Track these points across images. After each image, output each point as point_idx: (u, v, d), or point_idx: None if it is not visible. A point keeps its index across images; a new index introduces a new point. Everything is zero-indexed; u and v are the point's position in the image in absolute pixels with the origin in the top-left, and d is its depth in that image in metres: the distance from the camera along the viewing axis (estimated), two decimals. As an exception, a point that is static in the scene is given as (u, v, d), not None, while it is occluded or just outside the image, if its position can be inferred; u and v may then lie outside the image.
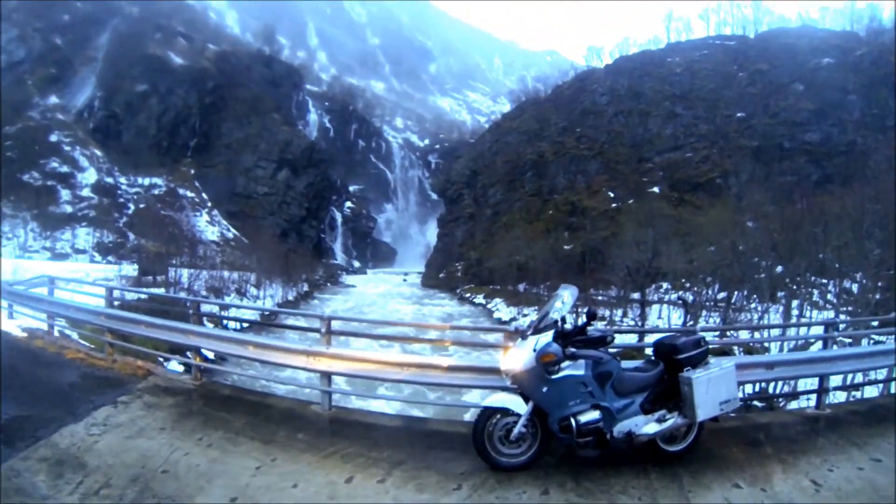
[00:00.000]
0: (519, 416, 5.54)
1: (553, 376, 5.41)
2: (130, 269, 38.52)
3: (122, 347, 10.17)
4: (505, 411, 5.64)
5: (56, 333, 11.85)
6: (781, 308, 26.93)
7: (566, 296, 5.73)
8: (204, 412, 7.21)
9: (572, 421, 5.37)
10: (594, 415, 5.43)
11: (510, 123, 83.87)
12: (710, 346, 6.11)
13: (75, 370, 8.90)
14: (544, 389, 5.42)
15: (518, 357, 5.51)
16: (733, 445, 6.31)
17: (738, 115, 62.27)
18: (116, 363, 9.37)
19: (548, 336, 5.46)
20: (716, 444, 6.25)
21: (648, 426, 5.63)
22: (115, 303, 12.07)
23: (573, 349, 5.49)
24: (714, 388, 5.63)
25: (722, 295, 31.62)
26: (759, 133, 59.31)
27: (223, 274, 44.22)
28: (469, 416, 11.67)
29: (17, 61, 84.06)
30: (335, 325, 7.82)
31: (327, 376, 7.46)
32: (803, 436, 6.80)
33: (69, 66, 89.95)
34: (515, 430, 5.56)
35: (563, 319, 5.69)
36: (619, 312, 35.24)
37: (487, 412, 5.69)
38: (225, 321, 23.57)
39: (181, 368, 13.11)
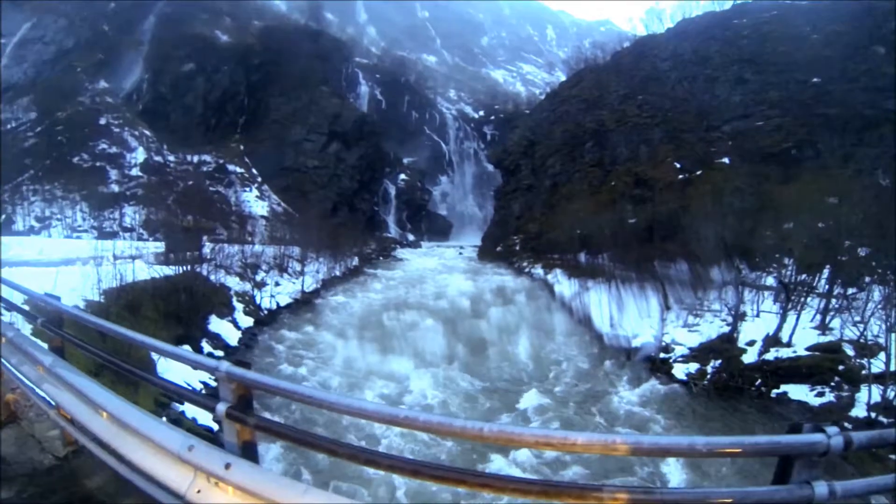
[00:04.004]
0: None
1: None
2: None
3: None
4: None
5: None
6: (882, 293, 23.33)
7: None
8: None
9: None
10: None
11: (568, 91, 79.94)
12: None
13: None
14: None
15: None
16: None
17: (814, 80, 57.41)
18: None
19: None
20: None
21: None
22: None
23: None
24: None
25: (802, 277, 27.94)
26: (838, 100, 54.26)
27: (255, 249, 42.24)
28: None
29: (66, 50, 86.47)
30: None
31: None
32: None
33: (116, 52, 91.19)
34: None
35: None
36: (696, 293, 31.61)
37: None
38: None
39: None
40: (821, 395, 18.32)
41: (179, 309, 20.87)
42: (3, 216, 58.59)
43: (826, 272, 27.01)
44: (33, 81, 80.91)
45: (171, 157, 78.61)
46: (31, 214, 61.12)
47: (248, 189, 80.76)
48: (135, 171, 72.33)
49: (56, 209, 62.36)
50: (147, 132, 79.58)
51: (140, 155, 75.24)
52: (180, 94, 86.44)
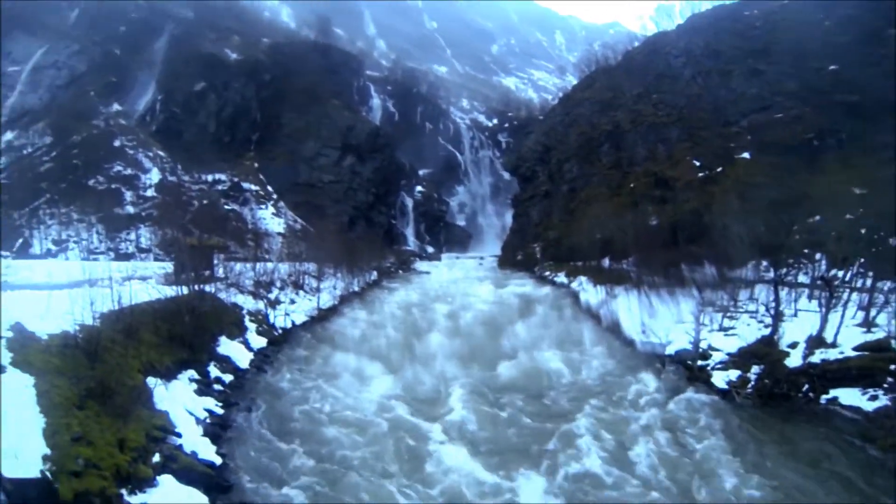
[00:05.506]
0: None
1: None
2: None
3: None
4: None
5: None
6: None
7: None
8: None
9: None
10: None
11: (580, 94, 78.71)
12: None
13: None
14: None
15: None
16: None
17: (831, 67, 55.87)
18: None
19: None
20: None
21: None
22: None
23: None
24: None
25: (833, 272, 26.62)
26: (858, 86, 52.58)
27: (269, 266, 41.06)
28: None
29: (79, 74, 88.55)
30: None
31: None
32: None
33: (128, 73, 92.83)
34: None
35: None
36: (728, 295, 30.08)
37: None
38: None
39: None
40: (874, 398, 17.05)
41: (184, 331, 19.92)
42: (21, 240, 59.65)
43: (859, 266, 25.83)
44: (48, 106, 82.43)
45: (186, 177, 78.72)
46: (48, 238, 61.59)
47: (263, 206, 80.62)
48: (150, 192, 72.40)
49: (73, 232, 62.71)
50: (161, 153, 79.97)
51: (155, 176, 75.50)
52: (192, 113, 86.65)
